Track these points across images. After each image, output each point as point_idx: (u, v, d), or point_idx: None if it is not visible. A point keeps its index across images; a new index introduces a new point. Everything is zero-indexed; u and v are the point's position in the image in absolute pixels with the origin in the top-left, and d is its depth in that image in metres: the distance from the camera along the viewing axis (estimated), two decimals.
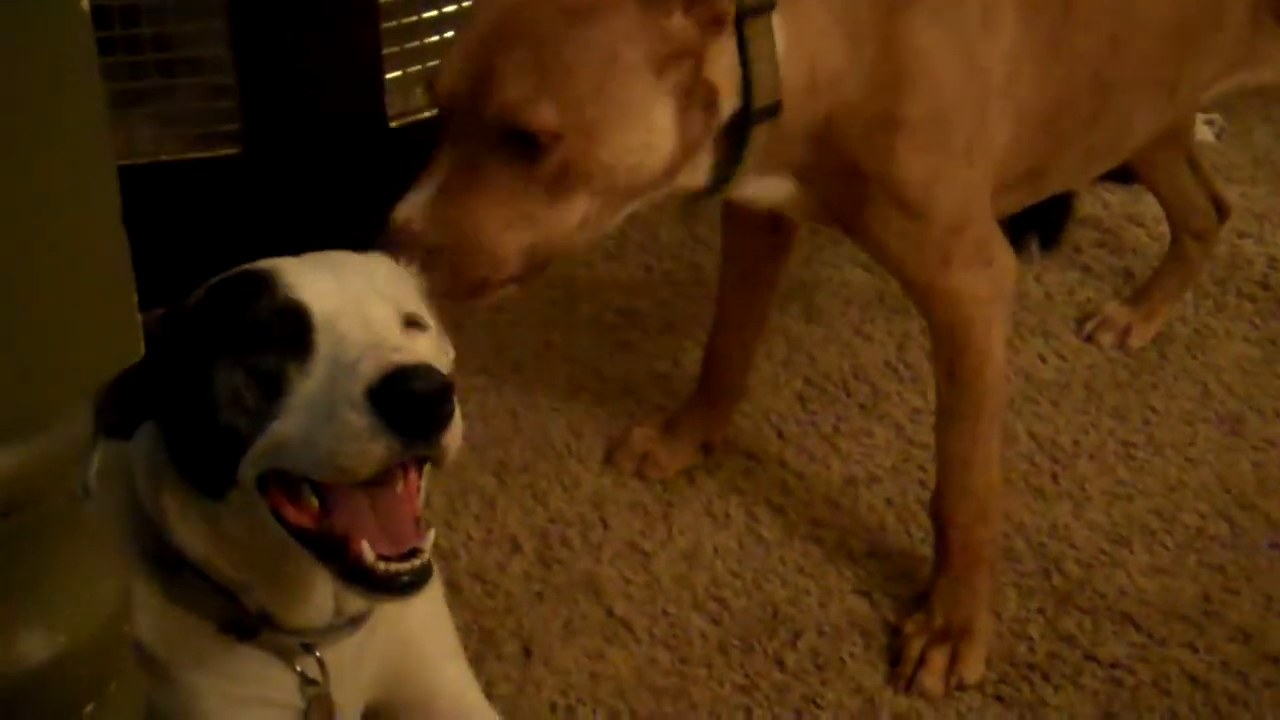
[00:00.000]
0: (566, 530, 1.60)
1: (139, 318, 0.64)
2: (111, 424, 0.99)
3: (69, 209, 0.60)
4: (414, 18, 1.98)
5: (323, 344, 0.96)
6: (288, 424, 0.94)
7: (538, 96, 1.11)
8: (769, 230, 1.62)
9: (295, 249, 1.04)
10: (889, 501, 1.67)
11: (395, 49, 1.96)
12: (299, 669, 1.09)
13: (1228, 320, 2.01)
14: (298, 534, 0.97)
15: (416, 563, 0.95)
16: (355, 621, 1.10)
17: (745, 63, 1.19)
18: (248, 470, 0.96)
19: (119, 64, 1.82)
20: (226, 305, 0.99)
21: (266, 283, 0.99)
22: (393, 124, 1.99)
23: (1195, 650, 1.47)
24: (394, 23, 1.95)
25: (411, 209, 1.15)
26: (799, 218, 1.49)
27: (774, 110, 1.22)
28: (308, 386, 0.94)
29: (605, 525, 1.62)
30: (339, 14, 1.90)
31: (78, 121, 0.60)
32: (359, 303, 0.99)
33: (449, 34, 2.02)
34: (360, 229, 1.20)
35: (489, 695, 1.28)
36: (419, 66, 2.01)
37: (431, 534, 0.98)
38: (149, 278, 0.72)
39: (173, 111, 1.89)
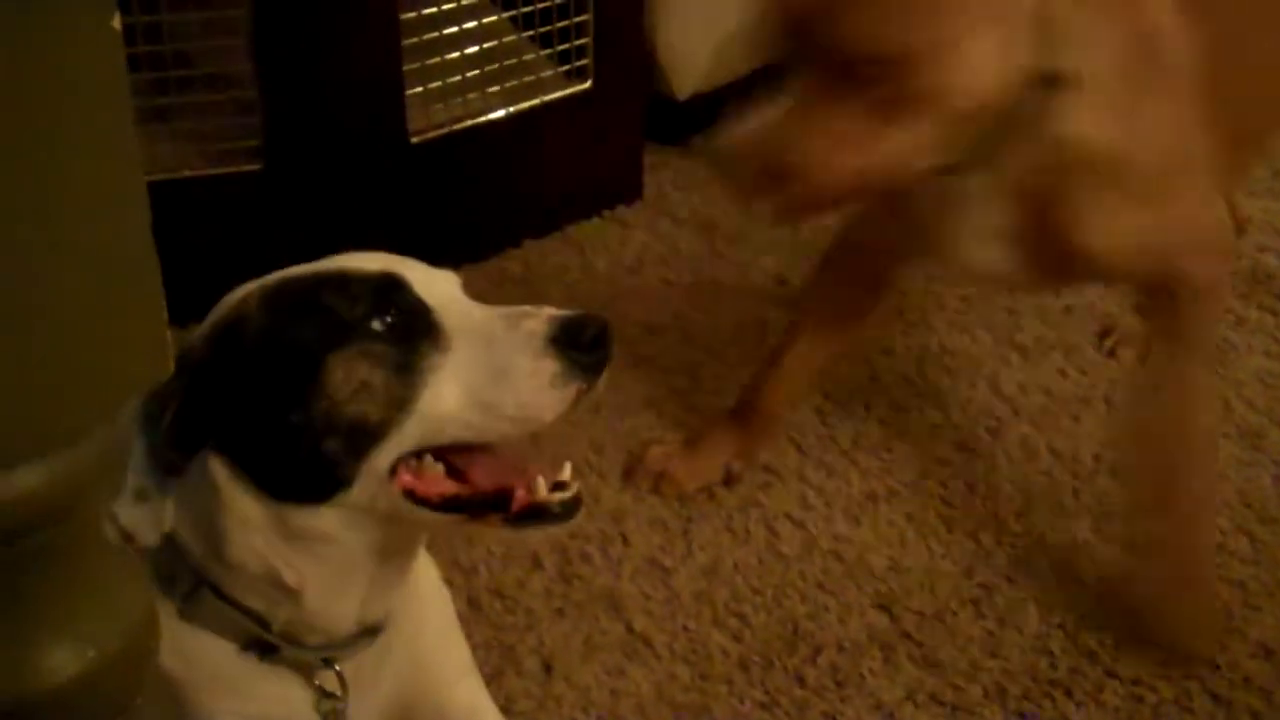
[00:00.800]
0: (586, 546, 1.60)
1: (169, 335, 0.65)
2: (172, 462, 0.96)
3: (99, 226, 0.61)
4: (435, 34, 1.99)
5: (448, 316, 0.99)
6: (443, 397, 0.97)
7: (888, 19, 1.13)
8: (869, 286, 1.63)
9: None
10: (909, 516, 1.67)
11: (416, 65, 1.97)
12: (318, 683, 1.09)
13: (1248, 334, 2.00)
14: (443, 505, 1.01)
15: (568, 494, 1.04)
16: (372, 631, 1.10)
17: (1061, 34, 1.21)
18: (384, 457, 0.98)
19: (142, 80, 1.83)
20: (315, 303, 0.98)
21: (353, 276, 1.00)
22: (413, 140, 2.00)
23: (1217, 667, 1.46)
24: (415, 39, 1.96)
25: (748, 128, 1.18)
26: (1007, 281, 1.54)
27: (1057, 83, 1.23)
28: (454, 358, 0.98)
29: (625, 541, 1.62)
30: (360, 31, 1.91)
31: (109, 138, 0.60)
32: (447, 283, 1.03)
33: (470, 50, 2.04)
34: (381, 245, 1.20)
35: (509, 712, 1.28)
36: (439, 83, 2.02)
37: (568, 466, 1.05)
38: (169, 293, 0.72)
39: (195, 128, 1.90)
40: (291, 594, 1.04)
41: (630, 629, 1.50)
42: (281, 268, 1.04)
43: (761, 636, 1.49)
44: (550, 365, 0.98)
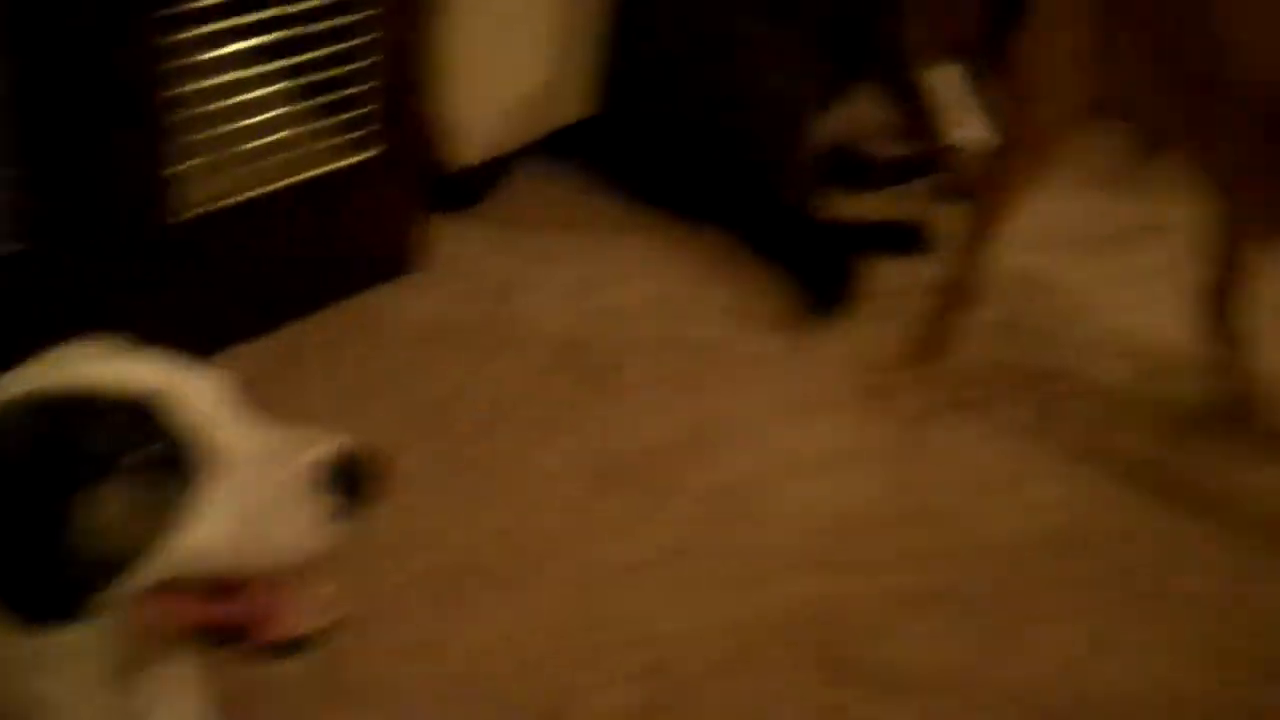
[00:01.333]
0: (354, 630, 1.59)
1: None
2: None
3: None
4: (214, 106, 1.96)
5: (216, 442, 0.95)
6: (205, 532, 0.93)
7: None
8: None
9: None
10: (678, 581, 1.70)
11: (201, 136, 1.94)
12: None
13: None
14: (197, 633, 0.98)
15: (331, 618, 1.00)
16: None
17: None
18: (137, 587, 0.94)
19: None
20: (70, 432, 0.94)
21: (113, 400, 0.95)
22: (179, 218, 1.97)
23: (972, 712, 1.52)
24: (198, 109, 1.94)
25: (978, 141, 1.46)
26: None
27: None
28: (220, 491, 0.94)
29: (395, 620, 1.60)
30: (121, 111, 1.88)
31: None
32: (217, 395, 0.99)
33: (244, 122, 2.02)
34: (148, 326, 1.18)
35: None
36: (220, 154, 1.99)
37: (332, 589, 1.00)
38: None
39: None
40: (35, 705, 1.02)
41: (397, 709, 1.49)
42: (44, 349, 0.99)
43: (532, 710, 1.51)
44: (322, 505, 0.94)
